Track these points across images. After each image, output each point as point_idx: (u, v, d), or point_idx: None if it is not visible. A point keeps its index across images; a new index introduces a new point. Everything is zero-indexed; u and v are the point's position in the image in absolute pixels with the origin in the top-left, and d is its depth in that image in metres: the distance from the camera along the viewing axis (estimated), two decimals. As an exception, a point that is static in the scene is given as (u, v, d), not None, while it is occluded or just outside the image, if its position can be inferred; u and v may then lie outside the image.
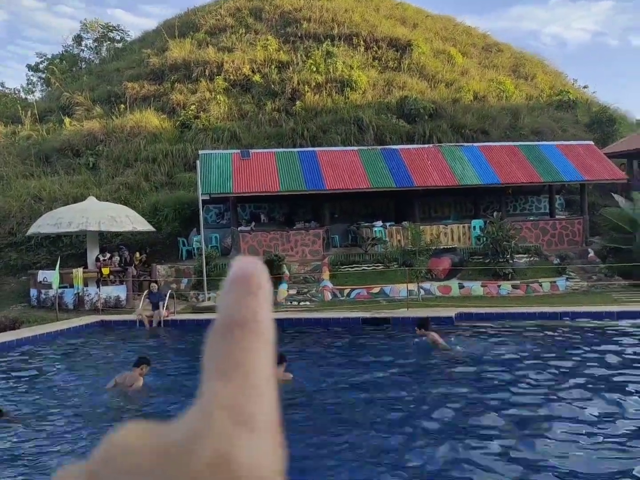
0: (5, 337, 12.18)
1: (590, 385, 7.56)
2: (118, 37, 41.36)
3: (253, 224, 20.78)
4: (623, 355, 9.15)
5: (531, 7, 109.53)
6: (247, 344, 0.32)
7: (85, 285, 17.28)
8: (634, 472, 4.90)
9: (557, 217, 21.70)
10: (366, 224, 20.25)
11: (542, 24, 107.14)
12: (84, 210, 18.01)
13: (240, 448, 0.29)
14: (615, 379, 7.85)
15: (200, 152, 21.37)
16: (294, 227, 20.44)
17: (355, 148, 22.12)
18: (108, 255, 18.41)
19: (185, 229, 21.18)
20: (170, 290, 15.36)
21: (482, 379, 8.28)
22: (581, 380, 7.81)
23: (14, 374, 9.72)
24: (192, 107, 27.47)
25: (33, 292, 17.95)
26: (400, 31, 33.50)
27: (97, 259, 18.17)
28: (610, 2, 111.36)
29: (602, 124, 28.40)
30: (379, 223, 20.23)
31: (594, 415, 6.37)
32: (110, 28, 41.12)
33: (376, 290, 17.07)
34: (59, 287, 16.07)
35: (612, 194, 20.27)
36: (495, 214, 19.38)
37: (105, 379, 8.55)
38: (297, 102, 27.30)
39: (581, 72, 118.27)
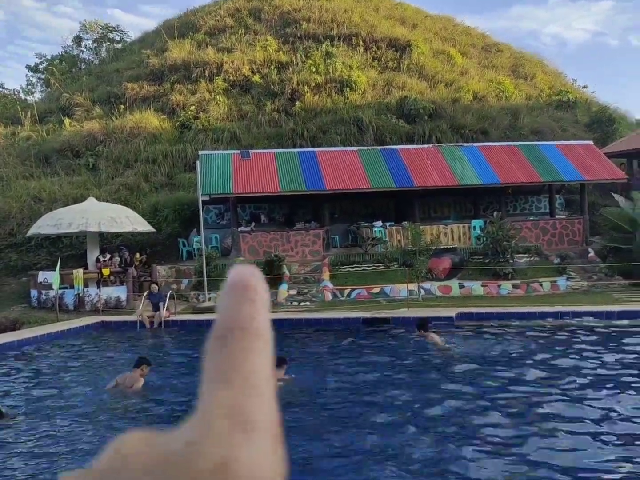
0: (5, 338, 12.18)
1: (590, 385, 7.56)
2: (117, 38, 41.37)
3: (253, 224, 20.78)
4: (623, 355, 9.15)
5: (531, 7, 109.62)
6: (246, 348, 0.33)
7: (86, 286, 17.28)
8: (633, 472, 4.90)
9: (557, 216, 21.71)
10: (366, 224, 20.26)
11: (542, 24, 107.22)
12: (84, 211, 18.01)
13: (241, 450, 0.30)
14: (615, 378, 7.85)
15: (200, 152, 21.38)
16: (294, 228, 20.44)
17: (355, 148, 22.13)
18: (108, 256, 18.41)
19: (186, 229, 21.18)
20: (170, 291, 15.35)
21: (483, 378, 8.27)
22: (582, 379, 7.82)
23: (14, 375, 9.72)
24: (192, 107, 27.47)
25: (33, 293, 17.95)
26: (399, 31, 33.50)
27: (98, 260, 18.17)
28: (610, 2, 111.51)
29: (602, 124, 28.41)
30: (379, 223, 20.24)
31: (595, 415, 6.37)
32: (110, 29, 41.11)
33: (376, 290, 17.08)
34: (60, 288, 16.08)
35: (612, 194, 20.27)
36: (495, 213, 19.39)
37: (106, 379, 8.56)
38: (297, 103, 27.30)
39: (581, 72, 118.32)
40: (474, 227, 19.90)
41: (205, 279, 16.00)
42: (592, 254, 18.87)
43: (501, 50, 36.94)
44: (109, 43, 40.89)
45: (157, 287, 14.96)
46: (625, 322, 11.67)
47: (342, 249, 20.20)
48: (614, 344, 9.96)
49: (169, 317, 14.17)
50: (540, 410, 6.69)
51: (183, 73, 30.39)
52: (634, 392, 7.15)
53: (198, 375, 0.33)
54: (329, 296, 16.95)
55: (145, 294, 14.87)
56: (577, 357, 9.18)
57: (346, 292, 17.21)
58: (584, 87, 37.26)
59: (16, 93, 40.76)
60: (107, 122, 27.67)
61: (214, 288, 16.12)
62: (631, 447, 5.46)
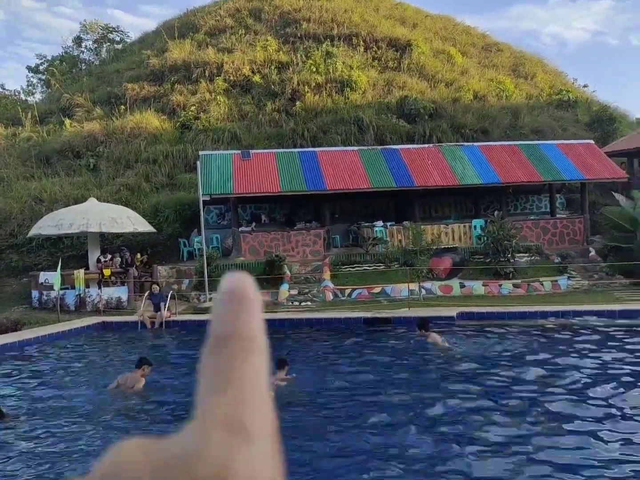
0: (7, 338, 12.19)
1: (591, 384, 7.56)
2: (118, 39, 41.37)
3: (254, 224, 20.79)
4: (624, 354, 9.15)
5: (531, 6, 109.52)
6: (242, 357, 0.33)
7: (87, 286, 17.29)
8: (636, 470, 4.90)
9: (557, 216, 21.70)
10: (367, 224, 20.26)
11: (541, 24, 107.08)
12: (84, 212, 18.01)
13: (239, 459, 0.30)
14: (615, 377, 7.85)
15: (200, 153, 21.38)
16: (295, 228, 20.45)
17: (356, 148, 22.13)
18: (109, 256, 18.42)
19: (186, 229, 21.19)
20: (171, 291, 15.37)
21: (484, 378, 8.28)
22: (583, 378, 7.82)
23: (15, 375, 9.73)
24: (192, 108, 27.48)
25: (34, 293, 17.96)
26: (399, 31, 33.49)
27: (98, 260, 18.18)
28: (610, 2, 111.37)
29: (603, 123, 28.39)
30: (380, 223, 20.24)
31: (596, 414, 6.37)
32: (110, 29, 41.12)
33: (377, 290, 17.07)
34: (61, 289, 16.09)
35: (613, 193, 20.25)
36: (496, 213, 19.37)
37: (107, 380, 8.56)
38: (297, 103, 27.30)
39: (581, 71, 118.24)
40: (475, 227, 19.90)
41: (206, 279, 16.01)
42: (593, 253, 18.87)
43: (501, 50, 36.92)
44: (109, 44, 40.90)
45: (158, 288, 14.98)
46: (626, 321, 11.67)
47: (342, 249, 20.20)
48: (615, 343, 9.96)
49: (170, 317, 14.18)
50: (541, 410, 6.69)
51: (183, 73, 30.39)
52: (637, 392, 7.16)
53: (198, 376, 0.34)
54: (329, 296, 16.95)
55: (146, 294, 14.88)
56: (578, 356, 9.18)
57: (347, 292, 17.21)
58: (585, 86, 37.26)
59: (17, 94, 40.82)
60: (107, 122, 27.68)
61: (215, 288, 16.06)
62: (633, 446, 5.46)
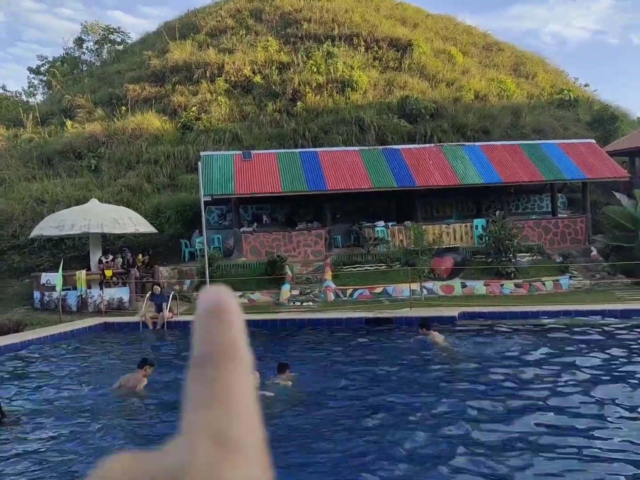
0: (8, 339, 12.21)
1: (592, 383, 7.56)
2: (119, 39, 41.37)
3: (255, 224, 20.81)
4: (626, 353, 9.14)
5: (531, 6, 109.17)
6: (225, 370, 0.33)
7: (89, 287, 17.31)
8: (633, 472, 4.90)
9: (559, 215, 21.67)
10: (368, 224, 20.25)
11: (542, 23, 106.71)
12: (86, 213, 18.03)
13: (226, 471, 0.30)
14: (617, 376, 7.84)
15: (201, 153, 21.39)
16: (296, 228, 20.45)
17: (357, 148, 22.13)
18: (111, 257, 18.44)
19: (188, 230, 21.20)
20: (173, 292, 15.39)
21: (485, 377, 8.27)
22: (584, 378, 7.81)
23: (17, 376, 9.75)
24: (194, 108, 27.49)
25: (36, 294, 17.98)
26: (400, 31, 33.47)
27: (100, 261, 18.19)
28: (610, 1, 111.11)
29: (604, 122, 28.35)
30: (381, 223, 20.24)
31: (597, 412, 6.37)
32: (111, 30, 41.13)
33: (379, 290, 17.07)
34: (62, 290, 16.11)
35: (614, 192, 20.22)
36: (497, 213, 19.36)
37: (109, 380, 8.57)
38: (298, 103, 27.31)
39: (581, 70, 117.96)
40: (476, 227, 19.89)
41: (207, 279, 16.00)
42: (594, 252, 18.85)
43: (502, 49, 36.88)
44: (110, 44, 40.91)
45: (159, 288, 15.00)
46: (627, 320, 11.66)
47: (344, 249, 20.20)
48: (616, 342, 9.95)
49: (171, 317, 14.20)
50: (543, 408, 6.69)
51: (184, 74, 30.40)
52: (638, 392, 7.15)
53: (184, 392, 0.34)
54: (331, 296, 16.95)
55: (147, 295, 14.90)
56: (579, 355, 9.18)
57: (348, 292, 17.21)
58: (586, 85, 37.21)
59: (18, 95, 40.84)
60: (108, 123, 27.70)
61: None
62: (634, 446, 5.45)
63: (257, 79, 29.19)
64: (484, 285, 17.15)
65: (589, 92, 35.65)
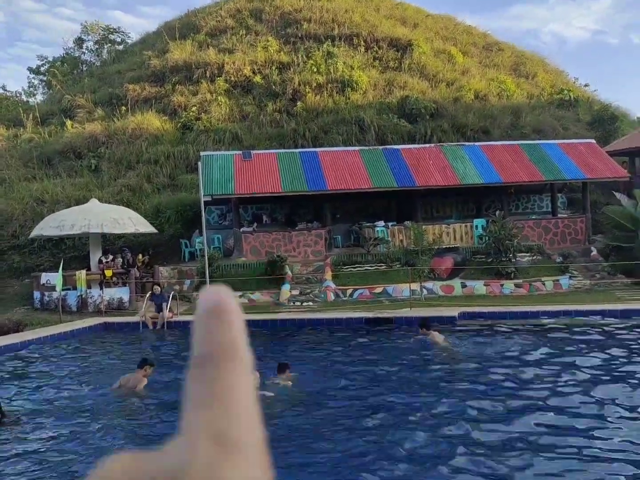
0: (8, 339, 12.21)
1: (592, 383, 7.56)
2: (119, 40, 41.36)
3: (255, 224, 20.81)
4: (626, 353, 9.14)
5: (531, 6, 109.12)
6: (225, 370, 0.33)
7: (89, 287, 17.31)
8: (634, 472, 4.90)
9: (559, 215, 21.68)
10: (368, 224, 20.25)
11: (542, 23, 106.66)
12: (86, 213, 18.04)
13: (226, 471, 0.30)
14: (617, 376, 7.84)
15: (201, 153, 21.39)
16: (296, 228, 20.46)
17: (357, 148, 22.13)
18: (111, 257, 18.44)
19: (188, 230, 21.20)
20: (173, 292, 15.38)
21: (485, 377, 8.27)
22: (584, 378, 7.81)
23: (17, 376, 9.75)
24: (194, 108, 27.50)
25: (36, 294, 17.98)
26: (400, 31, 33.47)
27: (100, 261, 18.19)
28: (610, 1, 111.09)
29: (604, 122, 28.34)
30: (381, 223, 20.24)
31: (598, 412, 6.37)
32: (111, 30, 41.12)
33: (379, 290, 17.07)
34: (62, 290, 16.11)
35: (614, 192, 20.22)
36: (497, 213, 19.36)
37: (109, 380, 8.57)
38: (298, 103, 27.31)
39: (581, 70, 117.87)
40: (476, 227, 19.89)
41: (207, 279, 16.00)
42: (594, 252, 18.85)
43: (502, 49, 36.88)
44: (110, 44, 40.90)
45: (159, 288, 15.00)
46: (627, 320, 11.66)
47: (344, 249, 20.20)
48: (616, 342, 9.95)
49: (171, 317, 14.20)
50: (543, 408, 6.69)
51: (184, 74, 30.40)
52: (638, 392, 7.15)
53: (184, 392, 0.34)
54: (331, 296, 16.95)
55: (147, 295, 14.90)
56: (579, 355, 9.18)
57: (348, 292, 17.21)
58: (586, 85, 37.20)
59: (18, 95, 40.85)
60: (109, 123, 27.71)
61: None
62: (635, 446, 5.45)
63: (257, 79, 29.19)
64: (484, 285, 17.15)
65: (589, 92, 35.65)
